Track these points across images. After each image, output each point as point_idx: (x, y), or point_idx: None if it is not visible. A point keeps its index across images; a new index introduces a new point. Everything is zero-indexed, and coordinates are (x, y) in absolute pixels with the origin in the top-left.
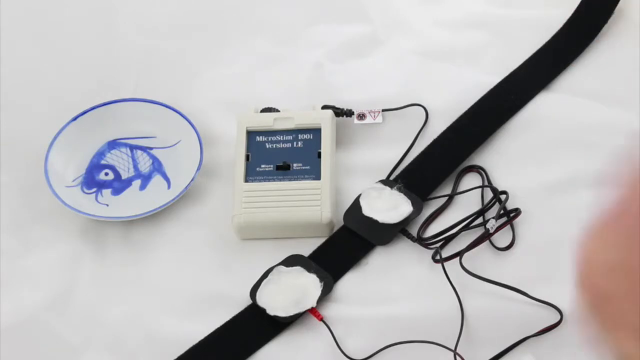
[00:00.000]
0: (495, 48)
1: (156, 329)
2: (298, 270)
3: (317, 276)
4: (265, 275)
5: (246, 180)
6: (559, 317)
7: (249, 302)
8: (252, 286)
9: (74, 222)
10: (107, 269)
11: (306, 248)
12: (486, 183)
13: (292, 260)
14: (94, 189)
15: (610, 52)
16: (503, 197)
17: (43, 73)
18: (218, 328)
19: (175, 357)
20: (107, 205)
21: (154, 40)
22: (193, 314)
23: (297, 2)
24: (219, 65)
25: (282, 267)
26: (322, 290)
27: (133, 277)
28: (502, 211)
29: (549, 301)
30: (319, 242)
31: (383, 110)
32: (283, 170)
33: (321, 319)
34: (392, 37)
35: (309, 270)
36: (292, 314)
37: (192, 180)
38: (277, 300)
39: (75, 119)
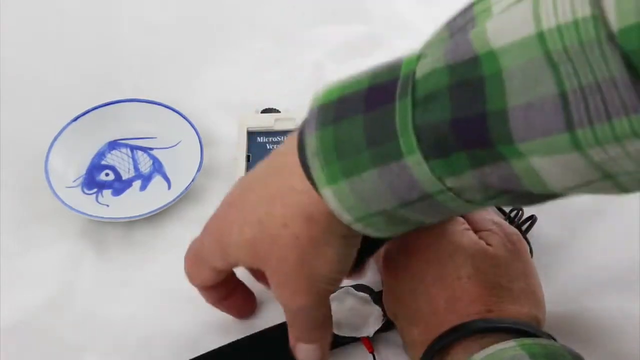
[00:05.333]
0: None
1: (157, 329)
2: (366, 298)
3: (383, 311)
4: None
5: None
6: None
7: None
8: None
9: (74, 222)
10: (108, 270)
11: None
12: None
13: (362, 288)
14: (95, 190)
15: None
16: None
17: (43, 73)
18: (268, 328)
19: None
20: (108, 205)
21: (154, 40)
22: (194, 314)
23: (297, 2)
24: (219, 65)
25: (351, 289)
26: (382, 325)
27: (134, 277)
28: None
29: None
30: None
31: None
32: None
33: (371, 352)
34: (393, 37)
35: (377, 302)
36: (344, 335)
37: (192, 181)
38: (335, 317)
39: (75, 119)
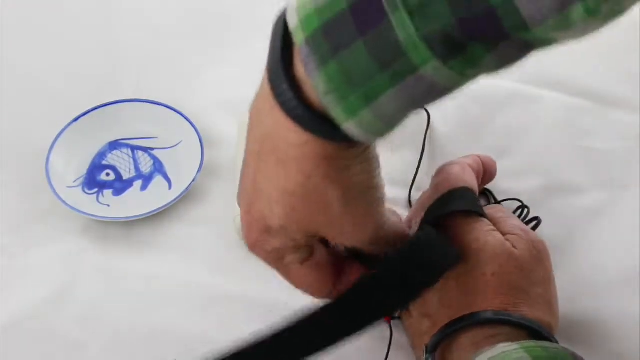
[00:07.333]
0: None
1: (157, 328)
2: None
3: None
4: None
5: None
6: None
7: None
8: None
9: (75, 222)
10: (108, 270)
11: None
12: (493, 202)
13: None
14: (95, 190)
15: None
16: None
17: (43, 73)
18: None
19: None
20: (109, 205)
21: (154, 40)
22: (194, 313)
23: None
24: (219, 65)
25: None
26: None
27: (134, 276)
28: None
29: None
30: None
31: None
32: None
33: (388, 320)
34: None
35: None
36: None
37: (193, 181)
38: None
39: (76, 119)
